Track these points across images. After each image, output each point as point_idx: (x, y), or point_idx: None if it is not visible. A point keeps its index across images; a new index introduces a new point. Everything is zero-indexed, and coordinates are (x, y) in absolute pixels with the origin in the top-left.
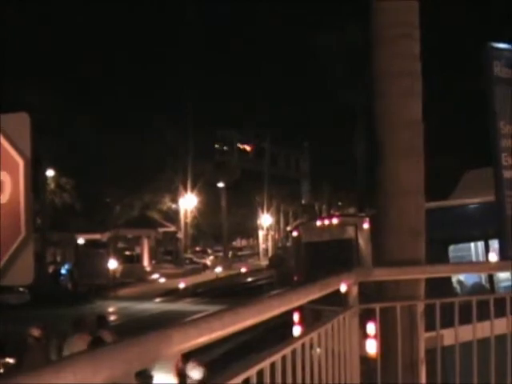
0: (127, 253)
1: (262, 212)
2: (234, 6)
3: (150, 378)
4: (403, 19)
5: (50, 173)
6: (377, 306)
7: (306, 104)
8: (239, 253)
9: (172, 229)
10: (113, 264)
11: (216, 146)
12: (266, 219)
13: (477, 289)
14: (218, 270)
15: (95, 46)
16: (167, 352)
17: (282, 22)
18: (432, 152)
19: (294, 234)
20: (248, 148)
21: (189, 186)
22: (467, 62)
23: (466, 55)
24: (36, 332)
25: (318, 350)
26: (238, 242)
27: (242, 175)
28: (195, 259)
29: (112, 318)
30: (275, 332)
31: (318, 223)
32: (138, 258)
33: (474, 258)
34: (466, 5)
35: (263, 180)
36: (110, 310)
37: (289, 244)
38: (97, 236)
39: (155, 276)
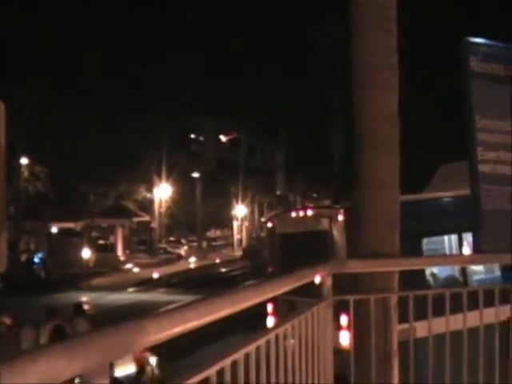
0: (101, 242)
1: (237, 202)
2: None
3: (111, 366)
4: (380, 12)
5: (23, 161)
6: (351, 298)
7: (283, 95)
8: (213, 243)
9: (146, 218)
10: (86, 253)
11: (191, 136)
12: (240, 210)
13: (450, 282)
14: (192, 260)
15: (72, 32)
16: (142, 342)
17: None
18: (410, 145)
19: (269, 224)
20: (224, 138)
21: (164, 175)
22: (450, 58)
23: (449, 50)
24: (7, 320)
25: (292, 341)
26: (212, 233)
27: (217, 165)
28: (169, 249)
29: (85, 307)
30: (249, 322)
31: (293, 214)
32: (112, 248)
33: (447, 252)
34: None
35: (239, 171)
36: (84, 299)
37: (263, 235)
38: (71, 225)
39: (129, 266)
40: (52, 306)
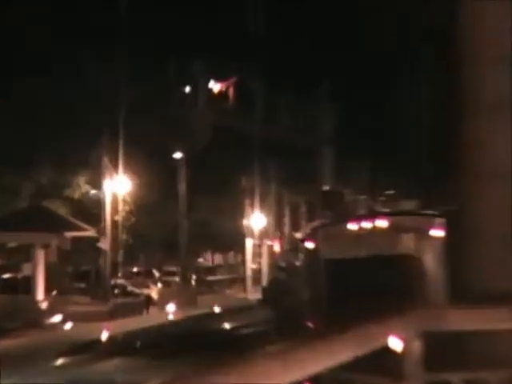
0: (6, 276)
1: (252, 207)
2: None
3: None
4: None
5: None
6: (456, 378)
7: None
8: (210, 277)
9: (89, 233)
10: None
11: (170, 89)
12: (257, 219)
13: None
14: (172, 307)
15: None
16: None
17: None
18: None
19: (309, 245)
20: (217, 86)
21: (121, 157)
22: None
23: None
24: None
25: None
26: (207, 259)
27: (214, 139)
28: (131, 288)
29: None
30: None
31: (352, 227)
32: (27, 286)
33: None
34: None
35: (252, 148)
36: None
37: (299, 262)
38: None
39: (57, 318)
40: None
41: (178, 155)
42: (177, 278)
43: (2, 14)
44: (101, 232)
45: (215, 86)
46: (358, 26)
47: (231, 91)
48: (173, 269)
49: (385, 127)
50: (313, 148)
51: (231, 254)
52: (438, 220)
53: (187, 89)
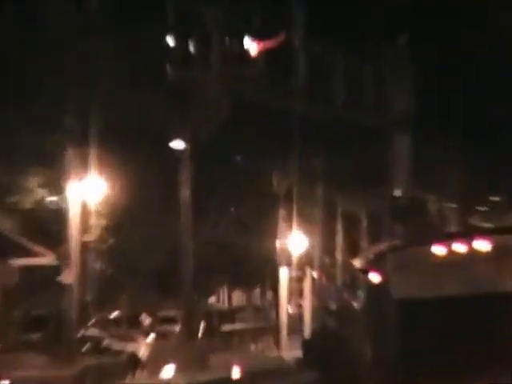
0: None
1: (289, 221)
2: None
3: None
4: None
5: None
6: None
7: None
8: (226, 326)
9: (46, 259)
10: None
11: (169, 42)
12: (297, 239)
13: None
14: (169, 371)
15: None
16: None
17: None
18: None
19: (373, 277)
20: (254, 47)
21: (93, 148)
22: None
23: None
24: None
25: None
26: (222, 299)
27: (235, 120)
28: (108, 342)
29: None
30: None
31: (438, 251)
32: None
33: None
34: None
35: (292, 135)
36: None
37: (357, 304)
38: None
39: None
40: None
41: (179, 145)
42: (177, 328)
43: None
44: (63, 258)
45: (252, 46)
46: None
47: (265, 48)
48: (171, 314)
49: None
50: (380, 134)
51: (257, 291)
52: None
53: (193, 46)
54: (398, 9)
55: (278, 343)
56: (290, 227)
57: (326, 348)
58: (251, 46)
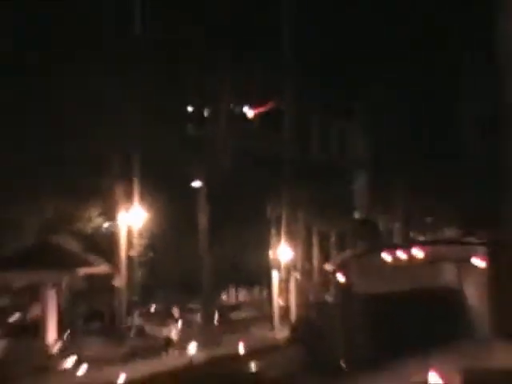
0: (13, 318)
1: (279, 237)
2: None
3: None
4: None
5: None
6: None
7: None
8: (234, 315)
9: (103, 269)
10: None
11: (188, 108)
12: (285, 250)
13: None
14: (193, 348)
15: None
16: None
17: None
18: None
19: (341, 278)
20: (250, 112)
21: (136, 186)
22: None
23: None
24: None
25: None
26: (230, 296)
27: (238, 164)
28: (148, 329)
29: None
30: None
31: (387, 258)
32: (36, 328)
33: None
34: None
35: (280, 174)
36: None
37: (330, 298)
38: None
39: (69, 362)
40: None
41: (197, 183)
42: (198, 317)
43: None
44: (115, 269)
45: (249, 112)
46: None
47: (258, 112)
48: (194, 307)
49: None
50: (345, 172)
51: (257, 289)
52: (481, 249)
53: (207, 111)
54: (356, 83)
55: (271, 327)
56: (279, 242)
57: (306, 330)
58: (249, 110)
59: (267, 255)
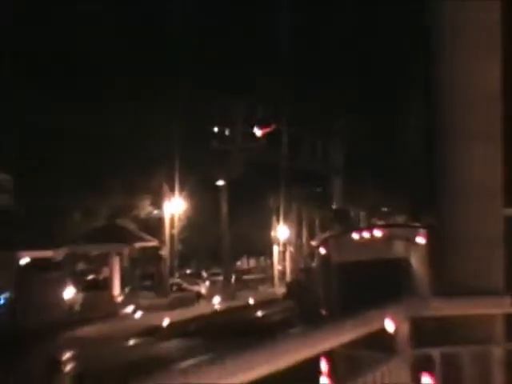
0: (90, 277)
1: (278, 221)
2: None
3: None
4: None
5: None
6: (436, 352)
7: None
8: (246, 277)
9: (153, 243)
10: (70, 293)
11: (214, 129)
12: (282, 231)
13: None
14: (217, 300)
15: None
16: None
17: None
18: None
19: (322, 251)
20: (258, 132)
21: (176, 183)
22: None
23: None
24: None
25: None
26: (244, 263)
27: (249, 169)
28: (185, 286)
29: (68, 367)
30: None
31: (355, 237)
32: (106, 285)
33: None
34: None
35: (279, 177)
36: (65, 356)
37: (314, 265)
38: (47, 254)
39: (129, 309)
40: None
41: (220, 182)
42: (220, 278)
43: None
44: (161, 242)
45: (257, 131)
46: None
47: (265, 132)
48: (217, 271)
49: (384, 158)
50: (326, 176)
51: (262, 258)
52: (422, 230)
53: (227, 130)
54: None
55: (273, 285)
56: (278, 224)
57: (297, 288)
58: (257, 130)
59: (270, 234)
